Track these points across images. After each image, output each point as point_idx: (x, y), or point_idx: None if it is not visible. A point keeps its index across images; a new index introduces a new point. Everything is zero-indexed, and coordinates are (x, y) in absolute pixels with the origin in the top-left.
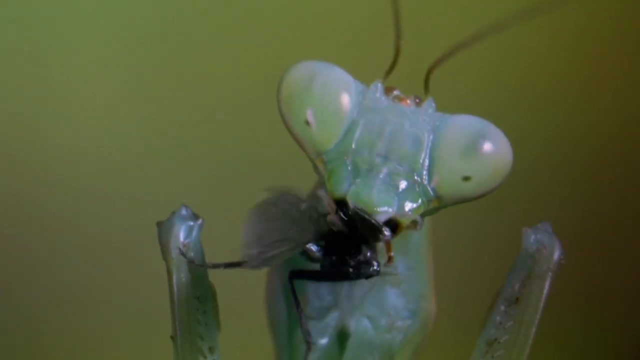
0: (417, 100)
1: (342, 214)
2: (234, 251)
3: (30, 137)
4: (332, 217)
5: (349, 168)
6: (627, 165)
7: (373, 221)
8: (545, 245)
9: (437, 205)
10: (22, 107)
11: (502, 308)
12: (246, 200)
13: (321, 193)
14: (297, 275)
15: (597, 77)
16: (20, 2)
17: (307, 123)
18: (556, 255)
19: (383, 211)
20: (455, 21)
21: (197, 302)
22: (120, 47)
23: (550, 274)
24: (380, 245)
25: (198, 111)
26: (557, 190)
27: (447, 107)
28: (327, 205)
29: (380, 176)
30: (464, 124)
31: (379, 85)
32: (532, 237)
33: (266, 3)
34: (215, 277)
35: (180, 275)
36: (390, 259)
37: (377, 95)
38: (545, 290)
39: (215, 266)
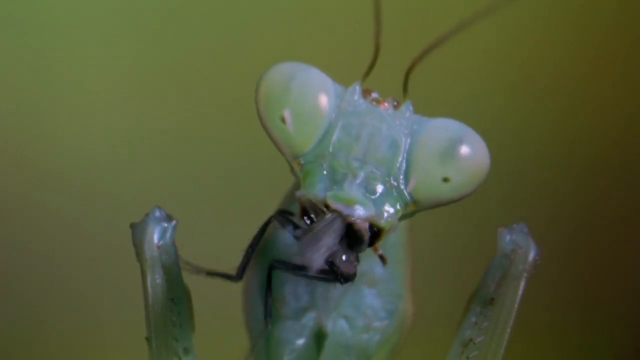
0: (395, 103)
1: (311, 216)
2: (209, 252)
3: (30, 137)
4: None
5: (325, 172)
6: (624, 165)
7: (353, 221)
8: (521, 246)
9: (414, 209)
10: (21, 107)
11: (478, 309)
12: (238, 201)
13: (298, 193)
14: (279, 265)
15: (592, 78)
16: (21, 2)
17: (285, 124)
18: (531, 255)
19: (362, 208)
20: (435, 23)
21: (172, 303)
22: (119, 49)
23: (525, 274)
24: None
25: (195, 112)
26: (553, 191)
27: (431, 108)
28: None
29: (357, 181)
30: (442, 127)
31: (357, 87)
32: (508, 237)
33: (250, 6)
34: (190, 278)
35: (155, 276)
36: (383, 259)
37: (355, 97)
38: (521, 291)
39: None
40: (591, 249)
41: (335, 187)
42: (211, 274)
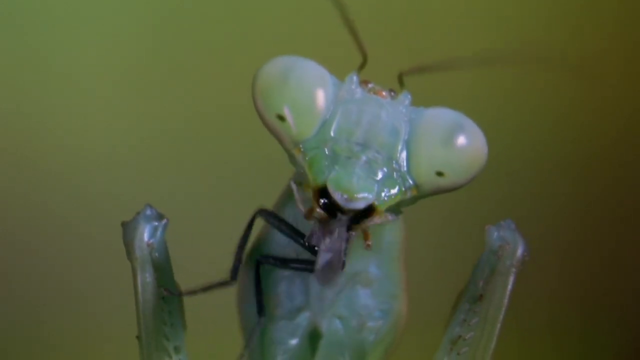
0: (393, 93)
1: (323, 202)
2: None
3: (30, 137)
4: (313, 209)
5: (328, 155)
6: (624, 165)
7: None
8: (509, 242)
9: (416, 195)
10: (21, 107)
11: (467, 306)
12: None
13: (294, 186)
14: (265, 260)
15: (592, 78)
16: (21, 2)
17: (284, 117)
18: (519, 251)
19: (363, 197)
20: (429, 21)
21: (163, 302)
22: (119, 49)
23: (513, 270)
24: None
25: (194, 112)
26: (553, 191)
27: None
28: (303, 197)
29: (359, 164)
30: (440, 115)
31: (355, 77)
32: (495, 234)
33: (250, 5)
34: (182, 277)
35: (145, 275)
36: (368, 246)
37: (353, 87)
38: (510, 286)
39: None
40: (591, 248)
41: (337, 167)
42: (206, 288)
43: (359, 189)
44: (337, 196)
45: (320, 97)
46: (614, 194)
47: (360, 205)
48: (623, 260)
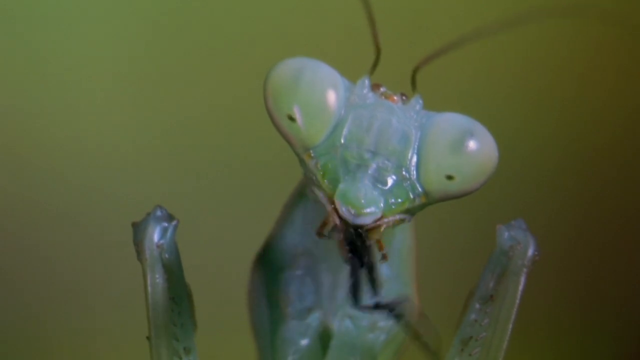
0: (404, 98)
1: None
2: (212, 251)
3: (30, 137)
4: (331, 217)
5: (339, 162)
6: (625, 164)
7: (357, 229)
8: (520, 242)
9: (425, 202)
10: (21, 107)
11: (477, 306)
12: (239, 201)
13: (320, 195)
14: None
15: (593, 76)
16: (20, 2)
17: (295, 119)
18: (530, 251)
19: (370, 212)
20: (440, 19)
21: (173, 302)
22: (119, 48)
23: (524, 270)
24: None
25: (197, 111)
26: (553, 190)
27: (438, 106)
28: (325, 203)
29: (369, 171)
30: (451, 121)
31: (366, 81)
32: (506, 234)
33: (251, 4)
34: (192, 278)
35: (155, 275)
36: (384, 257)
37: (365, 91)
38: (521, 286)
39: None
40: (591, 248)
41: (346, 177)
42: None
43: (366, 203)
44: (344, 211)
45: (332, 99)
46: (614, 193)
47: (367, 220)
48: (623, 260)
